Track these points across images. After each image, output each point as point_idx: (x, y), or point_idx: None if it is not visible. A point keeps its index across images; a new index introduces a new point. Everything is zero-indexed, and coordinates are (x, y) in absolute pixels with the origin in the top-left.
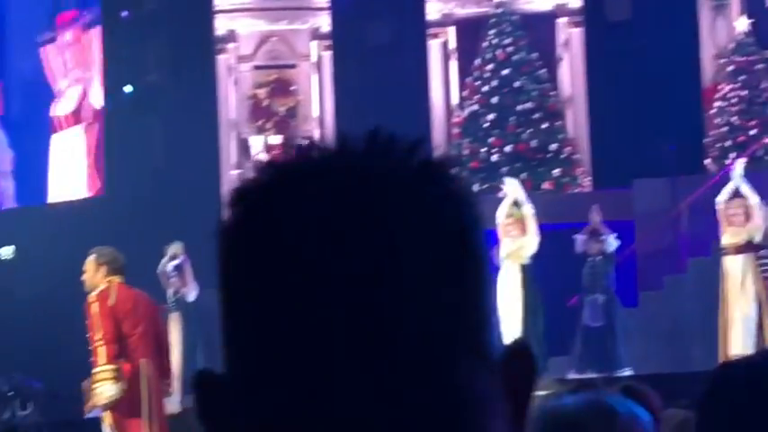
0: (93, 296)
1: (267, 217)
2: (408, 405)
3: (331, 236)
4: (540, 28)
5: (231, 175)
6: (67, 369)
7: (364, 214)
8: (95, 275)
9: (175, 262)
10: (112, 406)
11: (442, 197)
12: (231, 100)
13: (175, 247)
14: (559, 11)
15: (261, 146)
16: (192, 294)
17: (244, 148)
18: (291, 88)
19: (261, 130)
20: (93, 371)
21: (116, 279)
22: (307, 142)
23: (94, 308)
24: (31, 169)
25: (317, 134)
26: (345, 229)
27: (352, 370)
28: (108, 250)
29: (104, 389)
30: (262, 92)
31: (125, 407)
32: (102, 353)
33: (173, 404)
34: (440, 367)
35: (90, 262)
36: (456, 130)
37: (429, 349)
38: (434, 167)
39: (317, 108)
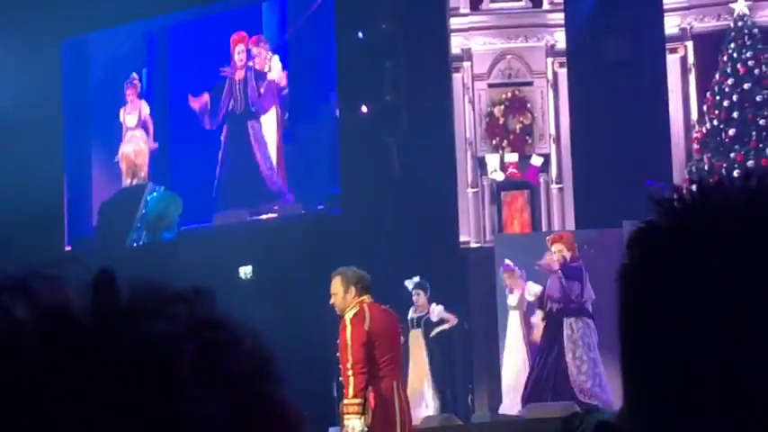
0: (347, 319)
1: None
2: None
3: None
4: None
5: (467, 194)
6: (306, 388)
7: None
8: (346, 296)
9: (417, 279)
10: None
11: None
12: (467, 118)
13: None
14: None
15: (497, 164)
16: (435, 314)
17: (480, 166)
18: (527, 106)
19: (497, 148)
20: (344, 401)
21: (367, 298)
22: (691, 184)
23: (347, 333)
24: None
25: (553, 152)
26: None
27: None
28: (353, 269)
29: (352, 423)
30: (497, 110)
31: (379, 429)
32: (351, 384)
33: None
34: None
35: (337, 283)
36: (696, 146)
37: None
38: None
39: (553, 125)
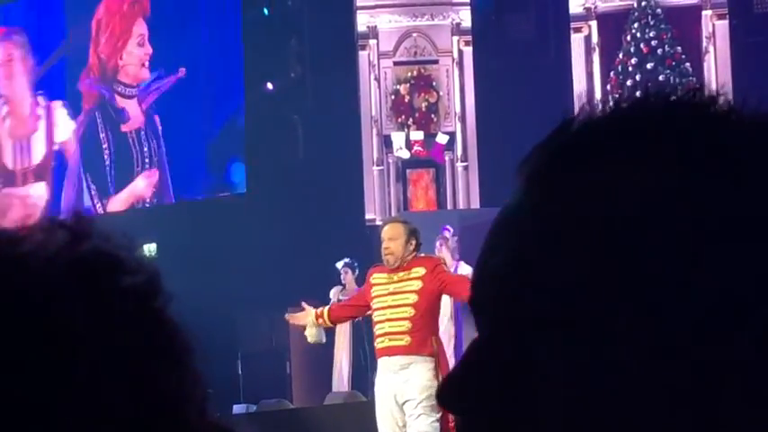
0: (423, 268)
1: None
2: None
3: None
4: (683, 20)
5: (373, 171)
6: (211, 366)
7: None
8: (407, 246)
9: (347, 260)
10: None
11: None
12: (372, 96)
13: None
14: (704, 3)
15: (402, 142)
16: None
17: (385, 143)
18: (432, 84)
19: (402, 126)
20: None
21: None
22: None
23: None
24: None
25: (458, 130)
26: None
27: None
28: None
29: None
30: (403, 88)
31: None
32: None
33: None
34: None
35: (401, 230)
36: None
37: None
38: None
39: (458, 104)
